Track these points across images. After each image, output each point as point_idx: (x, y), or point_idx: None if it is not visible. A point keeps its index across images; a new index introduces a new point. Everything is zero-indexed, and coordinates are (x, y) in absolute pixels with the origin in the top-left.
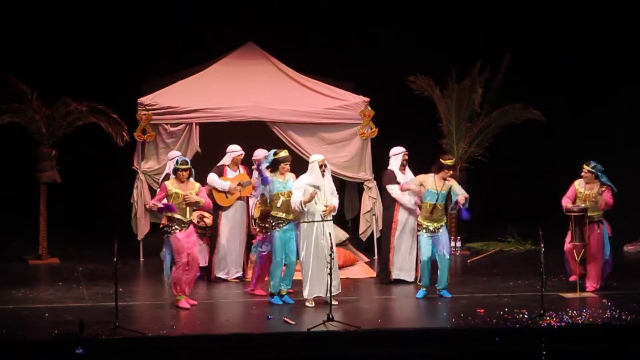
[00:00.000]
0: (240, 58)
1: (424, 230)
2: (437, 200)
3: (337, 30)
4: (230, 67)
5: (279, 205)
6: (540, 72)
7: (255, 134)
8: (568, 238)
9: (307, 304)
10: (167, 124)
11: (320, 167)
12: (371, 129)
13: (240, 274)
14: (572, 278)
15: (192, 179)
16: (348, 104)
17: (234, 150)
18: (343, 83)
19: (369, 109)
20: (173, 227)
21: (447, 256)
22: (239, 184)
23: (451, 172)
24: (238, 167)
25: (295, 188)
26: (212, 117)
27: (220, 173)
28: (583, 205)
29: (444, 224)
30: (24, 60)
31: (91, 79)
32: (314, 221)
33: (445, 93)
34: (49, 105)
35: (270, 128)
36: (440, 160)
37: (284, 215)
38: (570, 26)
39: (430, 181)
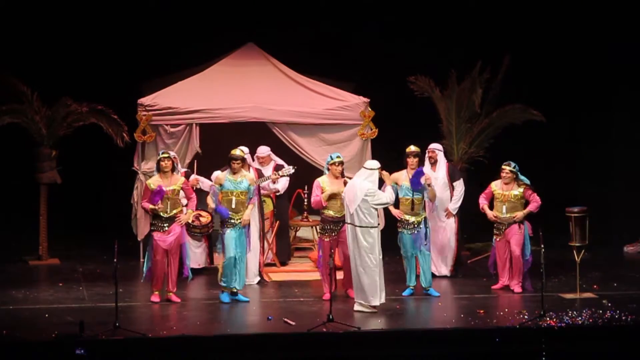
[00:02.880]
0: (240, 59)
1: (403, 227)
2: (412, 195)
3: (337, 31)
4: (230, 67)
5: (232, 205)
6: (541, 72)
7: (256, 134)
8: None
9: (365, 308)
10: (167, 124)
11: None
12: (371, 129)
13: (258, 279)
14: (499, 285)
15: (176, 173)
16: (348, 104)
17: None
18: (343, 84)
19: (369, 109)
20: (154, 227)
21: (427, 252)
22: None
23: (415, 160)
24: (248, 169)
25: (376, 192)
26: (212, 118)
27: None
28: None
29: (423, 219)
30: (24, 61)
31: (91, 80)
32: (374, 226)
33: (445, 94)
34: (49, 106)
35: (270, 129)
36: (406, 150)
37: (234, 215)
38: (571, 26)
39: (404, 176)
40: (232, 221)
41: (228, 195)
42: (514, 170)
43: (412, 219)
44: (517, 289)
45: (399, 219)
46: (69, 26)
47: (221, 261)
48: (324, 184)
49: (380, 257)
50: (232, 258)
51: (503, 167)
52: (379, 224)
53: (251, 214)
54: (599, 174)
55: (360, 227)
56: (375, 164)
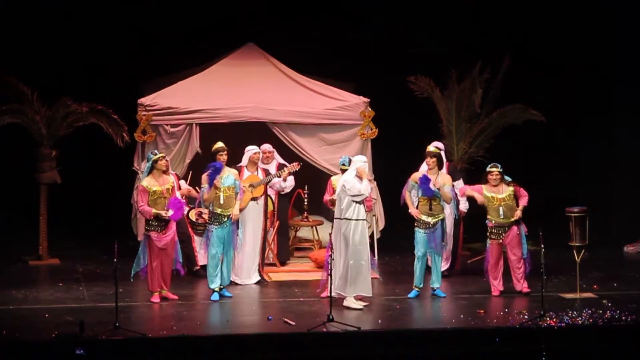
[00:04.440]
0: (241, 59)
1: (420, 226)
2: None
3: (337, 30)
4: (231, 67)
5: (221, 201)
6: (541, 72)
7: (256, 134)
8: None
9: (354, 305)
10: (167, 124)
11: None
12: (371, 129)
13: (258, 278)
14: (496, 291)
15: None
16: (348, 104)
17: (250, 149)
18: (343, 83)
19: (369, 109)
20: (150, 227)
21: (439, 254)
22: (250, 185)
23: (435, 159)
24: (257, 168)
25: (354, 184)
26: (212, 118)
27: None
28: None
29: (441, 219)
30: (25, 61)
31: (91, 80)
32: (358, 219)
33: (446, 94)
34: (49, 106)
35: (271, 129)
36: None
37: (219, 211)
38: (571, 26)
39: None
40: (220, 219)
41: (216, 193)
42: (501, 170)
43: (429, 219)
44: (526, 289)
45: (417, 218)
46: (69, 26)
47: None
48: (335, 182)
49: (369, 253)
50: (216, 257)
51: (491, 169)
52: (365, 219)
53: (239, 210)
54: (599, 174)
55: (348, 219)
56: (361, 158)
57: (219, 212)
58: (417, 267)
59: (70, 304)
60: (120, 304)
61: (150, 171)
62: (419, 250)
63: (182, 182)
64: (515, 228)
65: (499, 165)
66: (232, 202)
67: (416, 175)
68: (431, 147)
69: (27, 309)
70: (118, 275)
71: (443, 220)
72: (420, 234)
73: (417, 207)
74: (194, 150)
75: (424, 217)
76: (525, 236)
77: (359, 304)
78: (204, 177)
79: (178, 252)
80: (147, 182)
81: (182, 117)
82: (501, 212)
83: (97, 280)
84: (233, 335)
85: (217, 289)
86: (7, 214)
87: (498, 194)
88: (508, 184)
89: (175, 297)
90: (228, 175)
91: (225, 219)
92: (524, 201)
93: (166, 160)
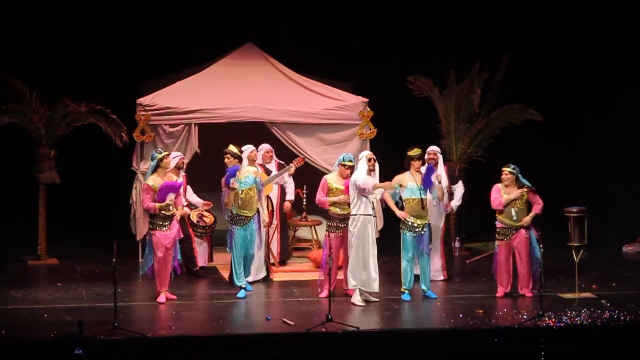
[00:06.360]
0: (239, 59)
1: (408, 229)
2: (421, 195)
3: (336, 31)
4: (229, 67)
5: (241, 202)
6: (539, 72)
7: (255, 134)
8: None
9: (359, 302)
10: (166, 124)
11: (369, 160)
12: (370, 129)
13: (264, 274)
14: (501, 292)
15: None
16: (347, 104)
17: (246, 149)
18: (342, 83)
19: (368, 109)
20: (154, 226)
21: (426, 255)
22: None
23: (419, 162)
24: (255, 166)
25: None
26: (211, 118)
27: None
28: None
29: (427, 222)
30: (24, 61)
31: (90, 80)
32: (365, 214)
33: (444, 94)
34: (48, 106)
35: (269, 129)
36: (408, 153)
37: (241, 212)
38: (570, 26)
39: (408, 177)
40: (242, 220)
41: (238, 195)
42: (514, 171)
43: (417, 221)
44: (528, 293)
45: (404, 220)
46: (68, 26)
47: (230, 259)
48: (331, 181)
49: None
50: (240, 256)
51: (503, 169)
52: (375, 216)
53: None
54: (598, 173)
55: (364, 215)
56: (363, 153)
57: (240, 213)
58: (406, 268)
59: (69, 304)
60: (119, 304)
61: (154, 169)
62: (407, 254)
63: (192, 193)
64: (523, 231)
65: (512, 166)
66: (254, 203)
67: (399, 178)
68: (416, 150)
69: (26, 309)
70: (117, 275)
71: (429, 223)
72: (408, 237)
73: (402, 209)
74: (192, 150)
75: (412, 219)
76: (537, 240)
77: (361, 300)
78: (223, 181)
79: (177, 251)
80: (152, 180)
81: (180, 117)
82: (513, 213)
83: (95, 280)
84: (232, 335)
85: (243, 286)
86: (6, 214)
87: (510, 195)
88: (520, 186)
89: (174, 297)
90: (248, 176)
91: (248, 220)
92: (537, 209)
93: (181, 158)
